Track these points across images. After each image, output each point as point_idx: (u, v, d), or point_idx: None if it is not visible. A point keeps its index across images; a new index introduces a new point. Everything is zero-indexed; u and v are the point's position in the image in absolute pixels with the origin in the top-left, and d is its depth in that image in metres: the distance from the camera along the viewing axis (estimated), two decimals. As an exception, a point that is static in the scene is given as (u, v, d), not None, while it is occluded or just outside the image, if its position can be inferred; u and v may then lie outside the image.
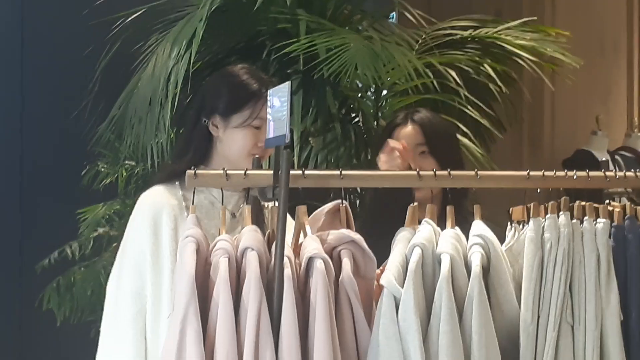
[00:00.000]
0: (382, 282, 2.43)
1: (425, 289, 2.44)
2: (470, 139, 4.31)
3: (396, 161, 3.21)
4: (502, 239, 2.61)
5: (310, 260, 2.44)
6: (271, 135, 2.53)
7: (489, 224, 2.65)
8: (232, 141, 3.05)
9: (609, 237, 2.54)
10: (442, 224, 2.58)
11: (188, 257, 2.41)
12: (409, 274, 2.41)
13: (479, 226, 2.55)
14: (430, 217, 2.57)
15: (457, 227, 2.58)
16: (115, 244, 4.26)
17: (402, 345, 2.37)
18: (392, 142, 3.24)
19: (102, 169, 4.81)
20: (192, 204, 2.60)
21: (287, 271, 2.40)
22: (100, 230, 4.74)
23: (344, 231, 2.58)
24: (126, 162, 4.67)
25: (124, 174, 4.72)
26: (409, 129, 3.35)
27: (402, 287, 2.40)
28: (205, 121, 3.06)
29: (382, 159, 3.27)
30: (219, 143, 3.07)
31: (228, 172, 2.55)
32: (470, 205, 2.78)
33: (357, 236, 2.55)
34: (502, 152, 4.67)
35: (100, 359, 2.98)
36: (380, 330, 2.39)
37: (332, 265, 2.46)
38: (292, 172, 2.52)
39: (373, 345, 2.40)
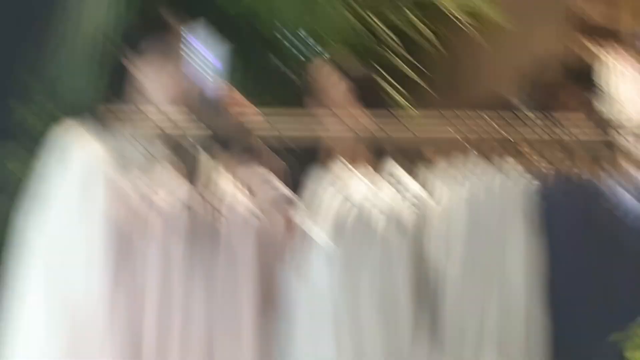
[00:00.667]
0: (311, 236, 2.45)
1: (357, 244, 2.46)
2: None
3: None
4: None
5: (233, 210, 2.45)
6: (200, 81, 2.51)
7: None
8: (153, 80, 2.99)
9: (537, 192, 2.57)
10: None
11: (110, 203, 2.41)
12: (340, 229, 2.44)
13: (408, 181, 2.60)
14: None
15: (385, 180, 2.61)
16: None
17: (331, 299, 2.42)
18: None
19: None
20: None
21: (212, 221, 2.41)
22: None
23: (269, 182, 2.56)
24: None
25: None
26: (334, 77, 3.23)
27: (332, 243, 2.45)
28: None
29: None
30: (137, 82, 3.03)
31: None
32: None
33: (283, 187, 2.56)
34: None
35: None
36: (309, 284, 2.42)
37: (257, 216, 2.47)
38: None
39: (300, 300, 2.43)
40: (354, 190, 2.51)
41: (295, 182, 2.65)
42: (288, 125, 2.77)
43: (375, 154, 2.69)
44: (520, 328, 2.52)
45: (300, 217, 2.51)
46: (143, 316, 2.33)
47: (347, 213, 2.46)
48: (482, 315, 2.51)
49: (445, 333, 2.49)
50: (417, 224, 2.49)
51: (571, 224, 2.58)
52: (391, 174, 2.58)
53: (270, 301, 2.43)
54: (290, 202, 2.52)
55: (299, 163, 3.11)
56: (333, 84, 3.27)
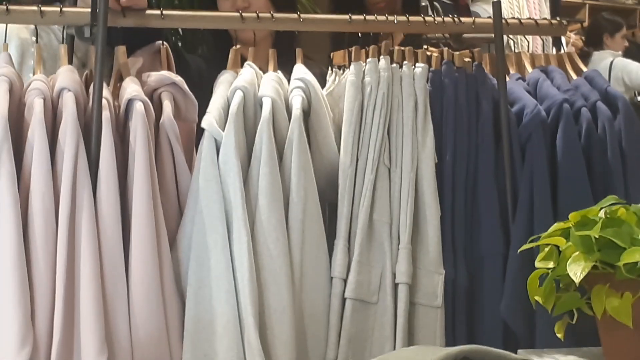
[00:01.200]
0: (203, 124, 2.40)
1: (246, 131, 2.44)
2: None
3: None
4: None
5: (129, 102, 2.39)
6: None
7: (314, 63, 2.66)
8: None
9: (427, 81, 2.58)
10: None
11: (0, 96, 2.32)
12: (230, 116, 2.39)
13: (300, 70, 2.55)
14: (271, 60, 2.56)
15: (279, 71, 2.57)
16: None
17: (222, 187, 2.37)
18: None
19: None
20: (5, 41, 2.50)
21: (106, 113, 2.35)
22: None
23: (165, 73, 2.54)
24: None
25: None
26: None
27: (223, 130, 2.39)
28: None
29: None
30: None
31: (43, 8, 2.45)
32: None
33: (178, 78, 2.52)
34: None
35: None
36: (201, 173, 2.38)
37: (152, 108, 2.42)
38: (111, 10, 2.45)
39: (193, 188, 2.39)
40: (244, 77, 2.47)
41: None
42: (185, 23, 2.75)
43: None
44: (424, 222, 2.53)
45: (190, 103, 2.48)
46: (29, 205, 2.28)
47: (232, 97, 2.43)
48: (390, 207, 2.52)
49: (342, 227, 2.49)
50: (304, 107, 2.47)
51: (456, 109, 2.59)
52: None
53: (164, 189, 2.41)
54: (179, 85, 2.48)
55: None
56: None
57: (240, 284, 2.33)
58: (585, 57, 7.08)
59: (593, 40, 7.33)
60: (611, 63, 6.93)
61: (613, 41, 7.31)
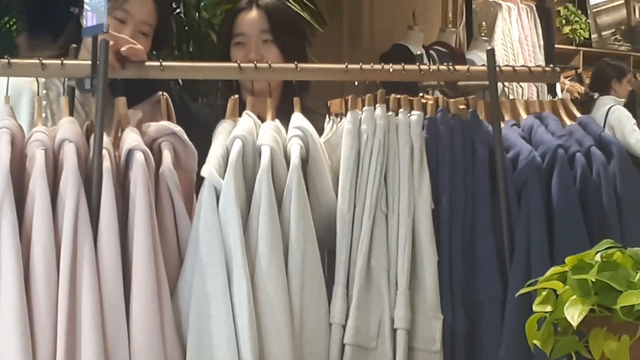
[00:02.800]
0: (203, 173, 2.43)
1: (245, 180, 2.46)
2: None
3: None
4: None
5: (129, 152, 2.42)
6: (89, 24, 2.49)
7: (319, 117, 2.70)
8: None
9: (422, 128, 2.61)
10: (281, 117, 2.61)
11: (2, 148, 2.34)
12: (230, 165, 2.42)
13: (298, 118, 2.58)
14: (271, 110, 2.59)
15: (277, 120, 2.61)
16: None
17: (222, 235, 2.39)
18: None
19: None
20: (7, 94, 2.53)
21: (106, 163, 2.38)
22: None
23: (165, 123, 2.57)
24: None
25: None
26: (253, 14, 3.14)
27: (223, 179, 2.42)
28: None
29: (233, 51, 3.13)
30: None
31: (44, 61, 2.49)
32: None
33: (178, 128, 2.54)
34: (322, 46, 4.67)
35: None
36: (201, 221, 2.41)
37: (152, 158, 2.45)
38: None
39: (194, 236, 2.41)
40: (243, 127, 2.50)
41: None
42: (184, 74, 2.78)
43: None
44: (421, 267, 2.55)
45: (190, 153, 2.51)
46: (30, 256, 2.30)
47: (231, 146, 2.45)
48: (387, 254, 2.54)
49: (340, 273, 2.50)
50: (302, 156, 2.49)
51: (452, 155, 2.62)
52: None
53: (164, 238, 2.43)
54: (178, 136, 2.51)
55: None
56: None
57: (240, 331, 2.34)
58: (589, 103, 7.14)
59: (598, 86, 7.39)
60: (608, 109, 6.98)
61: (620, 86, 7.38)
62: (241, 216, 2.41)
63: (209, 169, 2.42)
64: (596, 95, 7.32)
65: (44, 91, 2.80)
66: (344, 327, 2.47)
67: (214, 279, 2.37)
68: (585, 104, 7.13)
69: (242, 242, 2.38)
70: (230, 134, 2.51)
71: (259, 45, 3.10)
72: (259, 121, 2.58)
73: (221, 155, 2.47)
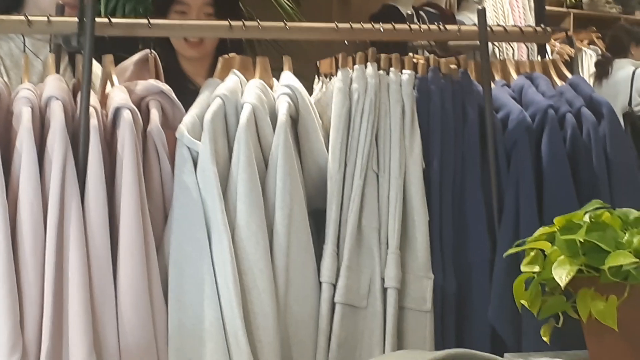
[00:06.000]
0: (176, 134, 2.42)
1: (229, 139, 2.45)
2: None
3: None
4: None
5: (117, 110, 2.40)
6: (75, -19, 2.46)
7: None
8: None
9: (413, 88, 2.60)
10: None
11: (-13, 105, 2.33)
12: (205, 124, 2.40)
13: (287, 77, 2.56)
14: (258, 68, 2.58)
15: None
16: None
17: (201, 194, 2.38)
18: None
19: None
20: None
21: (93, 121, 2.36)
22: None
23: (152, 81, 2.55)
24: None
25: None
26: None
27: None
28: None
29: (172, 17, 3.12)
30: None
31: (30, 18, 2.46)
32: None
33: (166, 87, 2.52)
34: (311, 7, 4.64)
35: None
36: (175, 182, 2.41)
37: (139, 116, 2.43)
38: (98, 19, 2.46)
39: (174, 196, 2.42)
40: (227, 85, 2.49)
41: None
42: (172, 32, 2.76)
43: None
44: (412, 226, 2.54)
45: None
46: (17, 213, 2.29)
47: (210, 105, 2.44)
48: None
49: (330, 232, 2.50)
50: (292, 113, 2.48)
51: (443, 115, 2.61)
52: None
53: (151, 197, 2.42)
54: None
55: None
56: None
57: (224, 288, 2.34)
58: (606, 64, 7.14)
59: (615, 49, 7.41)
60: (634, 72, 6.99)
61: (638, 50, 7.40)
62: (223, 174, 2.40)
63: (181, 129, 2.41)
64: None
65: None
66: (334, 285, 2.47)
67: (191, 237, 2.37)
68: (602, 65, 7.17)
69: (221, 201, 2.37)
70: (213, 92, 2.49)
71: (201, 17, 3.12)
72: (245, 80, 2.55)
73: (197, 115, 2.45)
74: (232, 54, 2.62)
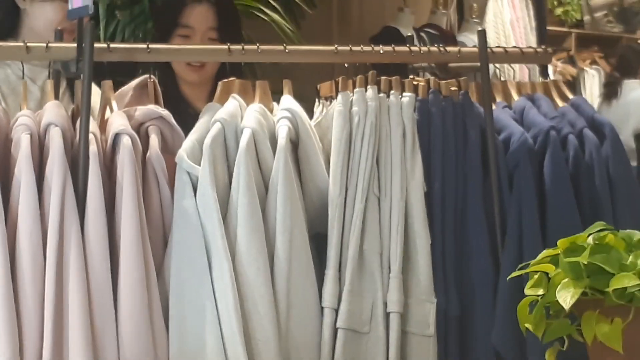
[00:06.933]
0: (176, 159, 2.41)
1: (230, 164, 2.43)
2: (280, 15, 4.27)
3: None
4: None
5: (116, 136, 2.39)
6: (74, 5, 2.45)
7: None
8: (40, 14, 2.93)
9: (414, 110, 2.59)
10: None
11: (-15, 133, 2.32)
12: (205, 149, 2.39)
13: (287, 100, 2.56)
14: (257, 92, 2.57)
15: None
16: None
17: (201, 220, 2.37)
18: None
19: None
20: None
21: (93, 147, 2.35)
22: None
23: (152, 107, 2.54)
24: None
25: None
26: (204, 8, 3.15)
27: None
28: None
29: (176, 41, 3.12)
30: (26, 16, 2.96)
31: (28, 44, 2.46)
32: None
33: (165, 112, 2.52)
34: (311, 28, 4.64)
35: None
36: (175, 207, 2.40)
37: (139, 142, 2.42)
38: (97, 45, 2.46)
39: (174, 221, 2.40)
40: (226, 110, 2.48)
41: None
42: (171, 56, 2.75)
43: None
44: (414, 250, 2.53)
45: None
46: (16, 242, 2.27)
47: (210, 130, 2.43)
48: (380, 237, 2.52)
49: (332, 256, 2.48)
50: (291, 137, 2.47)
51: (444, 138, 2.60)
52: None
53: (151, 223, 2.41)
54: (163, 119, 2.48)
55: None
56: None
57: (225, 314, 2.33)
58: (615, 84, 7.15)
59: (624, 69, 7.42)
60: None
61: None
62: (223, 200, 2.39)
63: (180, 155, 2.41)
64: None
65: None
66: (336, 310, 2.45)
67: (190, 264, 2.36)
68: (611, 85, 7.18)
69: (221, 226, 2.36)
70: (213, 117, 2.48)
71: (205, 41, 3.11)
72: (245, 104, 2.54)
73: (196, 140, 2.44)
74: (231, 78, 2.61)
